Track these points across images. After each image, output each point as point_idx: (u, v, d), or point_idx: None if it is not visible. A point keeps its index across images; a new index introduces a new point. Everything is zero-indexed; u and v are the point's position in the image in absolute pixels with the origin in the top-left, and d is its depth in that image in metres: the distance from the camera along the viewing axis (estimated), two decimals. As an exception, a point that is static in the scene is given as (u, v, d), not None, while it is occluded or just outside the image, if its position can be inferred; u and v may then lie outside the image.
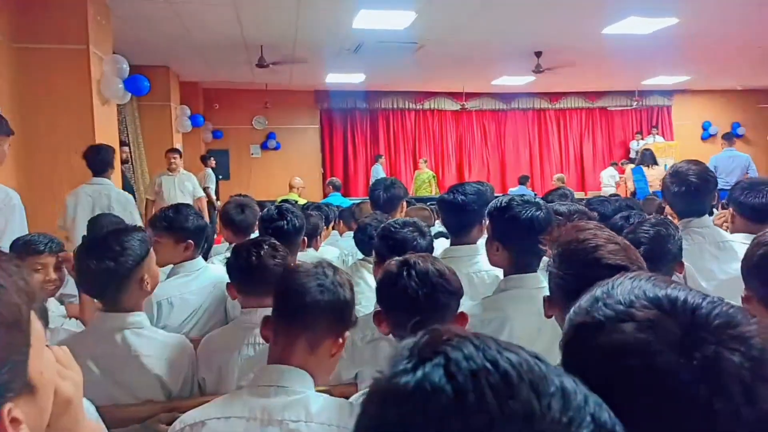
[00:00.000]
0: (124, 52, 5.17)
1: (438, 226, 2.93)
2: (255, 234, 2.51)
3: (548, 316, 1.19)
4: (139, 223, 3.66)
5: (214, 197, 8.16)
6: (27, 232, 2.48)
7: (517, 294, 1.62)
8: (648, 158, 7.38)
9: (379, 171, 10.16)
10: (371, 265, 2.15)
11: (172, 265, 2.21)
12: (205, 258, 2.53)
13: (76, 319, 2.08)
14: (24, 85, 4.20)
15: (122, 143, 6.16)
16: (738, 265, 1.37)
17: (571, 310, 0.65)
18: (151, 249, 1.66)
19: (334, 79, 9.28)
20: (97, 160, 3.77)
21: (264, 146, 10.98)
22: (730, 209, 2.27)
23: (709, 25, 6.23)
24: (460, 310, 1.33)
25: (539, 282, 1.60)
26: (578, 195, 9.60)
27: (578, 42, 6.81)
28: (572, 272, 1.11)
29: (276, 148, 10.96)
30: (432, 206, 3.69)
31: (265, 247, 1.72)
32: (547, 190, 4.22)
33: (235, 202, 2.67)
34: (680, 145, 10.36)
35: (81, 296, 2.05)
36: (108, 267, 1.52)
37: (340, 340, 1.25)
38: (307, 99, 10.91)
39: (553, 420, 0.42)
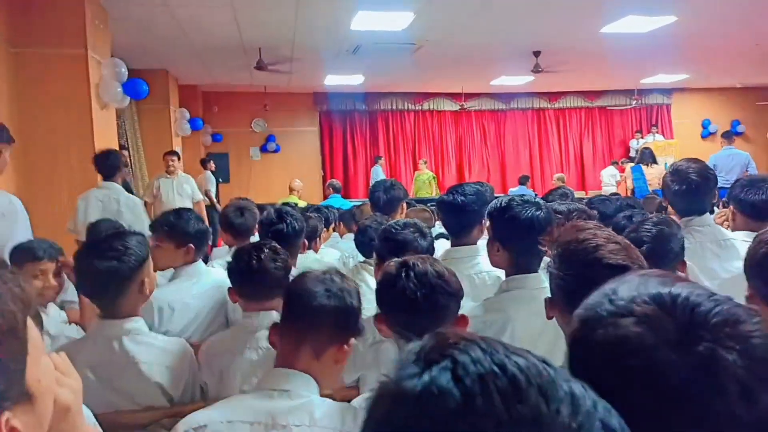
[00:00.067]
0: (122, 55, 5.18)
1: (438, 227, 2.92)
2: (255, 237, 2.51)
3: (549, 317, 1.19)
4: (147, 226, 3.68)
5: (215, 200, 8.16)
6: (32, 238, 2.49)
7: (518, 295, 1.61)
8: (647, 157, 7.38)
9: (378, 172, 10.16)
10: (372, 267, 2.14)
11: (173, 270, 2.21)
12: (205, 261, 2.53)
13: (77, 324, 2.07)
14: (22, 90, 4.19)
15: (121, 147, 6.15)
16: (740, 264, 1.36)
17: (580, 306, 0.65)
18: (149, 253, 1.66)
19: (333, 80, 9.28)
20: (106, 165, 3.87)
21: (263, 149, 10.98)
22: (731, 207, 2.27)
23: (707, 23, 6.23)
24: (461, 312, 1.33)
25: (541, 282, 1.59)
26: (579, 194, 9.61)
27: (577, 41, 6.81)
28: (573, 273, 1.11)
29: (276, 151, 10.96)
30: (432, 207, 3.68)
31: (266, 250, 1.72)
32: (548, 189, 4.22)
33: (235, 206, 2.67)
34: (680, 143, 10.36)
35: (81, 301, 2.04)
36: (111, 267, 1.52)
37: (346, 347, 1.25)
38: (306, 101, 10.91)
39: (563, 425, 0.41)
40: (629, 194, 6.94)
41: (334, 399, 1.25)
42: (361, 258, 2.48)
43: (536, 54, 7.27)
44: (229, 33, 6.01)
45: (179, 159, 6.36)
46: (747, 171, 6.57)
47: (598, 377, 0.55)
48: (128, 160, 6.90)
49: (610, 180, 9.96)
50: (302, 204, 5.61)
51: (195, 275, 2.17)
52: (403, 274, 1.26)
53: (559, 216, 1.95)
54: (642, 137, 11.36)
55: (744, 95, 11.61)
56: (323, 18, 5.59)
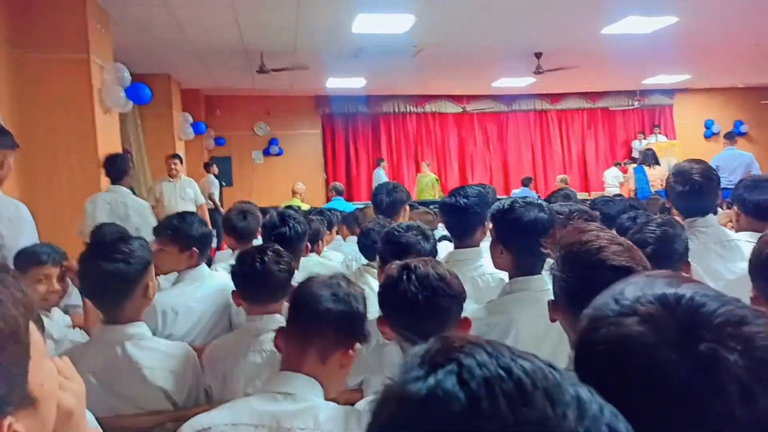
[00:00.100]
0: (125, 60, 5.19)
1: (441, 230, 2.92)
2: (258, 240, 2.52)
3: (553, 320, 1.19)
4: None
5: (218, 203, 8.17)
6: (36, 243, 2.50)
7: (522, 297, 1.61)
8: (650, 158, 7.37)
9: (381, 175, 10.16)
10: (375, 270, 2.14)
11: (176, 273, 2.21)
12: (208, 265, 2.53)
13: (81, 328, 2.08)
14: (25, 95, 4.21)
15: (124, 151, 6.15)
16: (744, 265, 1.36)
17: (588, 306, 0.66)
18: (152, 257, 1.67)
19: (335, 84, 9.29)
20: (115, 169, 3.96)
21: (266, 152, 11.00)
22: (735, 207, 2.26)
23: (708, 24, 6.22)
24: (464, 315, 1.32)
25: (544, 284, 1.59)
26: (581, 195, 9.59)
27: (578, 43, 6.81)
28: (576, 275, 1.11)
29: (278, 154, 10.97)
30: (435, 209, 3.68)
31: (270, 253, 1.72)
32: (551, 191, 4.21)
33: (237, 209, 2.68)
34: (683, 144, 10.34)
35: (85, 305, 2.05)
36: (118, 269, 1.53)
37: (351, 353, 1.25)
38: (308, 104, 10.93)
39: (569, 430, 0.41)
40: (632, 195, 6.92)
41: (337, 402, 1.25)
42: (364, 261, 2.47)
43: (537, 55, 7.27)
44: (231, 37, 6.03)
45: (182, 162, 6.35)
46: (750, 171, 6.55)
47: (600, 376, 0.56)
48: (131, 164, 6.91)
49: (613, 181, 9.93)
50: (305, 207, 5.61)
51: (198, 279, 2.17)
52: (405, 277, 1.26)
53: (560, 217, 1.95)
54: (644, 138, 11.35)
55: (746, 95, 11.58)
56: (324, 21, 5.61)
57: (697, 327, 0.56)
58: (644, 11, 5.62)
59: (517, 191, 9.17)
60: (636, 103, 11.44)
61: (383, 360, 1.59)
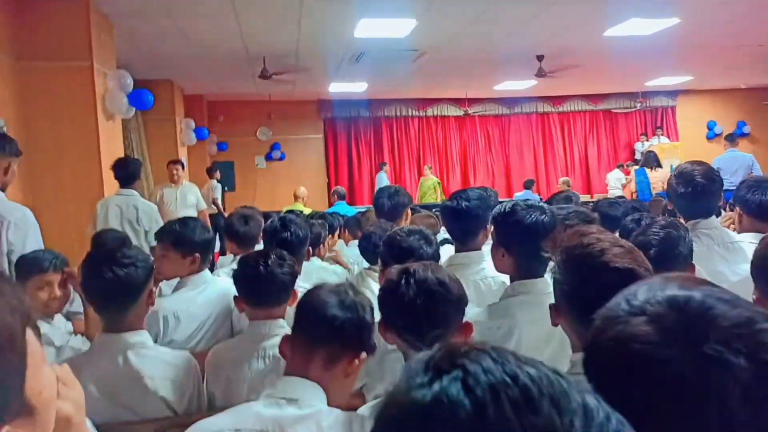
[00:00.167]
0: (127, 66, 5.21)
1: (443, 233, 2.91)
2: (260, 246, 2.52)
3: (555, 324, 1.18)
4: None
5: (222, 208, 8.18)
6: (38, 249, 2.52)
7: (524, 300, 1.60)
8: (652, 160, 7.37)
9: (383, 179, 10.16)
10: (377, 274, 2.14)
11: (178, 279, 2.21)
12: (211, 269, 2.53)
13: (82, 335, 2.07)
14: (28, 103, 4.23)
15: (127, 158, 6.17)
16: (747, 266, 1.35)
17: (603, 307, 0.67)
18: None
19: (337, 88, 9.31)
20: (126, 172, 4.03)
21: (269, 157, 11.02)
22: (737, 209, 2.25)
23: (710, 25, 6.21)
24: (465, 319, 1.32)
25: (546, 287, 1.58)
26: (584, 198, 9.59)
27: (580, 45, 6.81)
28: (578, 278, 1.10)
29: (281, 159, 10.99)
30: (437, 213, 3.68)
31: (273, 256, 1.72)
32: (554, 194, 4.21)
33: (239, 214, 2.68)
34: (685, 145, 10.31)
35: (86, 313, 2.05)
36: (128, 274, 1.54)
37: (357, 362, 1.25)
38: (310, 109, 10.95)
39: None
40: (634, 197, 6.91)
41: (339, 407, 1.25)
42: (366, 264, 2.47)
43: (539, 58, 7.27)
44: (233, 43, 6.04)
45: (183, 168, 6.36)
46: (751, 173, 6.55)
47: (606, 375, 0.57)
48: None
49: (616, 183, 9.91)
50: (307, 211, 5.61)
51: (201, 284, 2.17)
52: (404, 281, 1.26)
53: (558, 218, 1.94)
54: (647, 140, 11.32)
55: (749, 96, 11.56)
56: (326, 27, 5.62)
57: (704, 329, 0.57)
58: (646, 13, 5.62)
59: (519, 194, 9.16)
60: (638, 104, 11.42)
61: (384, 365, 1.58)
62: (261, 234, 2.53)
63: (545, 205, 1.71)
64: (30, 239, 2.47)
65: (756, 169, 6.78)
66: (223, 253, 5.11)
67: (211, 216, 7.73)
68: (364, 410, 1.29)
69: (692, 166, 2.15)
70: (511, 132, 11.90)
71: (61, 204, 4.23)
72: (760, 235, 1.90)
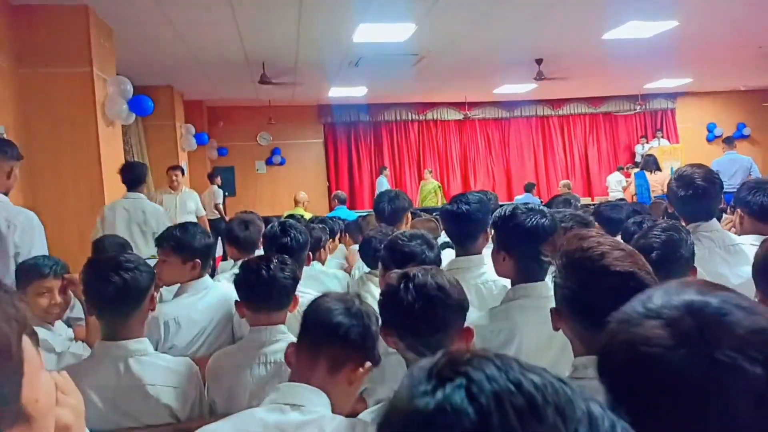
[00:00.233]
0: (127, 72, 5.22)
1: (444, 237, 2.91)
2: (260, 251, 2.51)
3: (556, 329, 1.18)
4: None
5: (224, 213, 8.19)
6: (47, 252, 2.55)
7: (525, 304, 1.60)
8: (651, 163, 7.37)
9: (383, 183, 10.17)
10: (377, 278, 2.13)
11: (178, 284, 2.21)
12: (212, 274, 2.53)
13: (83, 341, 2.07)
14: (29, 109, 4.24)
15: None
16: (749, 268, 1.35)
17: (618, 310, 0.67)
18: None
19: (337, 93, 9.33)
20: (132, 176, 4.10)
21: (269, 162, 11.03)
22: (738, 211, 2.25)
23: (709, 27, 6.22)
24: (466, 324, 1.31)
25: (547, 290, 1.58)
26: (585, 200, 9.58)
27: (579, 48, 6.82)
28: (579, 282, 1.10)
29: (281, 164, 11.00)
30: (437, 217, 3.68)
31: (275, 261, 1.73)
32: (552, 197, 4.20)
33: (239, 219, 2.68)
34: (686, 147, 10.31)
35: (87, 319, 2.04)
36: (134, 278, 1.54)
37: (361, 370, 1.25)
38: (310, 114, 10.97)
39: None
40: (634, 200, 6.92)
41: (342, 414, 1.24)
42: (367, 269, 2.46)
43: (538, 62, 7.28)
44: (233, 48, 6.06)
45: (183, 174, 6.35)
46: (750, 175, 6.58)
47: (619, 376, 0.57)
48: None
49: (617, 186, 9.91)
50: (308, 216, 5.62)
51: (201, 290, 2.17)
52: (403, 286, 1.26)
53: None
54: (647, 142, 11.32)
55: (748, 98, 11.57)
56: (325, 31, 5.63)
57: (718, 334, 0.57)
58: (644, 15, 5.62)
59: (520, 197, 9.15)
60: (638, 107, 11.43)
61: (385, 368, 1.57)
62: (261, 239, 2.52)
63: (545, 209, 1.70)
64: (36, 242, 2.51)
65: (755, 171, 6.80)
66: (225, 258, 5.11)
67: (213, 221, 7.74)
68: (366, 415, 1.29)
69: (692, 169, 2.15)
70: (511, 135, 11.91)
71: (61, 210, 4.23)
72: (762, 237, 1.89)
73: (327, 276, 2.81)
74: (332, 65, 7.13)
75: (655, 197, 6.53)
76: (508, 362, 0.45)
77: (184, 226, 2.26)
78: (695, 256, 1.73)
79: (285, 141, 10.95)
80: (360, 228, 3.96)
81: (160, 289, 2.26)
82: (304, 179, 10.55)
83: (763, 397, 0.54)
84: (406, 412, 0.44)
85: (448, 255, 2.30)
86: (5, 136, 3.70)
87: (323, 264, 3.07)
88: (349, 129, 11.36)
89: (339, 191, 7.61)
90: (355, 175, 11.40)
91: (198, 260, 2.17)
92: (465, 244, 2.08)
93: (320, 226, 3.38)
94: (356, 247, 3.94)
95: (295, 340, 1.63)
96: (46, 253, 2.54)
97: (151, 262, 2.00)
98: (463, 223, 2.04)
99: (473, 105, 11.30)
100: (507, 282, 1.73)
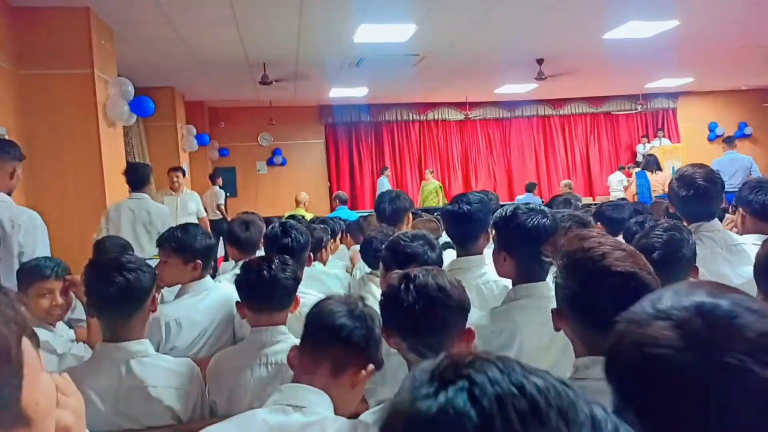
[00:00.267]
0: (128, 73, 5.23)
1: (445, 237, 2.91)
2: (260, 251, 2.51)
3: (557, 329, 1.17)
4: None
5: (226, 214, 8.19)
6: (50, 252, 2.59)
7: (526, 304, 1.60)
8: (652, 163, 7.37)
9: (384, 183, 10.16)
10: (378, 279, 2.13)
11: (179, 285, 2.21)
12: (214, 274, 2.53)
13: (84, 342, 2.07)
14: (30, 110, 4.24)
15: (129, 164, 6.16)
16: (751, 268, 1.34)
17: (627, 310, 0.67)
18: None
19: (338, 93, 9.33)
20: (137, 177, 4.19)
21: (270, 162, 11.04)
22: (740, 210, 2.24)
23: (709, 26, 6.21)
24: (468, 324, 1.31)
25: (548, 290, 1.57)
26: (586, 200, 9.58)
27: (579, 48, 6.81)
28: (580, 282, 1.10)
29: (282, 164, 11.01)
30: (439, 217, 3.67)
31: (276, 261, 1.73)
32: (553, 197, 4.20)
33: (240, 220, 2.68)
34: (687, 147, 10.30)
35: (89, 320, 2.05)
36: (137, 278, 1.55)
37: (363, 372, 1.25)
38: (311, 114, 10.97)
39: None
40: (635, 200, 6.92)
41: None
42: (368, 269, 2.46)
43: (539, 62, 7.27)
44: (233, 49, 6.06)
45: (184, 175, 6.34)
46: (750, 174, 6.57)
47: (626, 377, 0.58)
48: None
49: (618, 185, 9.90)
50: (309, 216, 5.61)
51: (202, 291, 2.16)
52: (403, 286, 1.26)
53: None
54: (648, 142, 11.31)
55: (750, 97, 11.55)
56: (326, 32, 5.63)
57: (728, 337, 0.56)
58: (645, 15, 5.62)
59: (521, 197, 9.14)
60: (639, 107, 11.42)
61: (387, 370, 1.57)
62: (262, 240, 2.52)
63: (546, 209, 1.70)
64: (39, 242, 2.54)
65: (755, 171, 6.80)
66: (227, 258, 5.11)
67: (215, 221, 7.75)
68: (367, 416, 1.29)
69: (693, 169, 2.14)
70: (512, 135, 11.91)
71: (62, 211, 4.23)
72: (763, 237, 1.89)
73: (328, 276, 2.81)
74: (333, 66, 7.13)
75: (656, 197, 6.52)
76: (511, 365, 0.44)
77: (185, 227, 2.26)
78: (697, 256, 1.73)
79: (286, 141, 10.95)
80: (361, 228, 3.96)
81: (162, 290, 2.26)
82: (305, 180, 10.55)
83: None
84: (408, 414, 0.43)
85: (449, 255, 2.30)
86: (6, 137, 3.71)
87: (325, 264, 3.06)
88: (350, 129, 11.36)
89: (340, 191, 7.61)
90: (356, 176, 11.40)
91: (199, 261, 2.17)
92: (466, 245, 2.08)
93: (322, 226, 3.38)
94: (358, 247, 3.95)
95: (295, 340, 1.63)
96: (49, 253, 2.57)
97: (153, 263, 2.01)
98: (465, 224, 2.04)
99: (474, 105, 11.30)
100: (508, 282, 1.73)
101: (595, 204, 6.35)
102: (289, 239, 2.19)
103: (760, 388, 0.54)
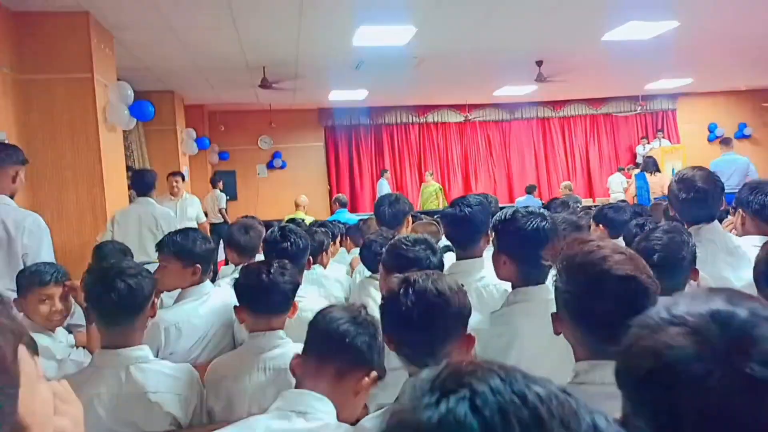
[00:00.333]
0: (128, 77, 5.24)
1: (445, 241, 2.91)
2: (260, 255, 2.51)
3: (558, 333, 1.17)
4: None
5: (227, 217, 8.19)
6: (54, 254, 2.64)
7: (525, 307, 1.59)
8: (651, 165, 7.37)
9: (384, 186, 10.17)
10: (378, 282, 2.13)
11: (179, 290, 2.20)
12: (214, 278, 2.53)
13: (84, 348, 2.07)
14: (30, 116, 4.25)
15: (129, 168, 6.16)
16: (751, 271, 1.34)
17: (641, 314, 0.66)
18: None
19: (337, 96, 9.34)
20: (144, 183, 4.37)
21: (270, 165, 11.04)
22: (740, 211, 2.24)
23: (709, 27, 6.21)
24: (469, 330, 1.30)
25: (548, 293, 1.57)
26: (586, 202, 9.57)
27: (579, 50, 6.82)
28: (580, 286, 1.09)
29: (282, 167, 11.01)
30: (438, 220, 3.67)
31: (275, 265, 1.73)
32: (550, 199, 4.19)
33: (240, 224, 2.68)
34: (687, 147, 10.30)
35: (88, 325, 2.04)
36: (138, 284, 1.55)
37: (366, 380, 1.25)
38: (311, 117, 10.98)
39: None
40: (635, 202, 6.92)
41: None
42: (368, 273, 2.46)
43: (539, 63, 7.28)
44: (233, 53, 6.07)
45: (183, 180, 6.33)
46: (748, 175, 6.57)
47: (637, 383, 0.56)
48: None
49: (618, 187, 9.90)
50: (308, 219, 5.61)
51: (202, 295, 2.16)
52: (402, 291, 1.25)
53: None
54: (648, 143, 11.31)
55: (749, 97, 11.55)
56: (325, 35, 5.64)
57: (746, 347, 0.55)
58: (644, 16, 5.62)
59: (521, 199, 9.15)
60: (639, 108, 11.42)
61: (386, 376, 1.57)
62: (261, 244, 2.52)
63: (546, 212, 1.69)
64: (44, 244, 2.58)
65: (752, 172, 6.78)
66: (227, 262, 5.11)
67: (216, 225, 7.75)
68: (367, 421, 1.28)
69: (693, 171, 2.14)
70: (512, 137, 11.91)
71: (62, 215, 4.24)
72: (764, 238, 1.89)
73: (328, 280, 2.80)
74: (333, 69, 7.14)
75: (654, 198, 6.52)
76: (512, 374, 0.44)
77: (184, 232, 2.26)
78: (697, 258, 1.72)
79: (286, 144, 10.96)
80: (361, 231, 3.96)
81: (161, 294, 2.25)
82: (305, 183, 10.55)
83: None
84: (409, 424, 0.43)
85: (448, 258, 2.29)
86: (6, 141, 3.71)
87: (325, 268, 3.06)
88: (349, 132, 11.37)
89: (340, 194, 7.62)
90: (356, 178, 11.40)
91: (198, 265, 2.16)
92: (467, 247, 2.07)
93: (322, 230, 3.38)
94: (357, 251, 3.94)
95: (294, 345, 1.62)
96: (53, 255, 2.59)
97: (154, 267, 2.01)
98: (465, 227, 2.04)
99: (474, 107, 11.31)
100: (508, 286, 1.73)
101: (595, 206, 6.35)
102: (288, 244, 2.19)
103: None
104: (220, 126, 10.32)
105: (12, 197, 2.63)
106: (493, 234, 1.72)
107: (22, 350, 0.56)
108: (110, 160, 4.59)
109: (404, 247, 1.83)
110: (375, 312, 1.37)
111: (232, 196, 9.94)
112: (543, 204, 5.55)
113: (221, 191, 8.47)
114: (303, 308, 1.80)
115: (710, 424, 0.54)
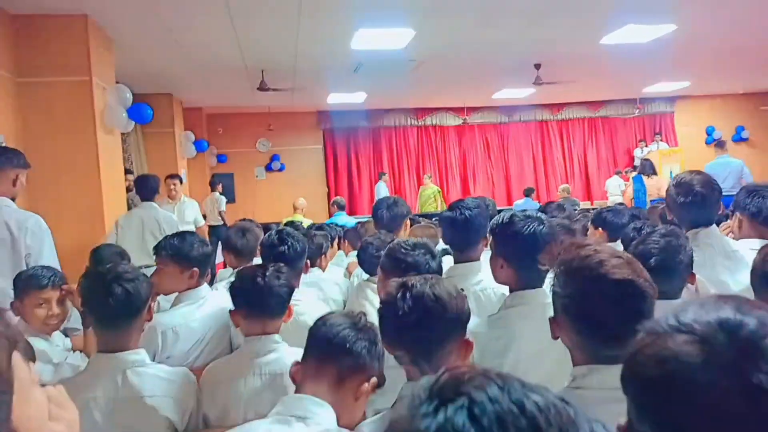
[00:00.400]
0: (126, 80, 5.23)
1: (442, 244, 2.90)
2: (258, 259, 2.51)
3: (555, 338, 1.17)
4: None
5: (226, 220, 8.18)
6: (56, 255, 2.65)
7: (523, 311, 1.59)
8: (648, 168, 7.39)
9: (382, 189, 10.17)
10: (375, 285, 2.12)
11: (176, 294, 2.20)
12: (212, 280, 2.52)
13: (81, 351, 2.06)
14: (28, 118, 4.24)
15: (127, 171, 6.16)
16: (749, 275, 1.34)
17: (651, 319, 0.65)
18: None
19: (336, 99, 9.34)
20: (147, 187, 4.47)
21: (268, 168, 11.04)
22: (737, 214, 2.24)
23: (707, 30, 6.23)
24: (467, 336, 1.30)
25: (545, 297, 1.57)
26: (584, 205, 9.58)
27: (577, 53, 6.83)
28: (577, 291, 1.10)
29: (280, 170, 11.01)
30: (436, 223, 3.67)
31: (270, 269, 1.73)
32: (546, 202, 4.20)
33: (237, 227, 2.68)
34: (685, 150, 10.32)
35: (85, 329, 2.03)
36: (135, 288, 1.55)
37: (366, 385, 1.25)
38: (309, 120, 10.99)
39: None
40: (632, 204, 6.93)
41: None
42: (366, 276, 2.46)
43: (537, 66, 7.29)
44: (231, 56, 6.07)
45: (181, 182, 6.32)
46: (742, 178, 6.59)
47: (643, 390, 0.56)
48: (132, 184, 6.92)
49: (616, 190, 9.92)
50: (307, 222, 5.60)
51: (199, 299, 2.15)
52: (400, 295, 1.25)
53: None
54: (646, 146, 11.34)
55: (747, 101, 11.59)
56: (323, 38, 5.64)
57: (755, 357, 0.55)
58: (642, 20, 5.64)
59: (519, 202, 9.16)
60: (637, 111, 11.44)
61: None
62: (258, 248, 2.52)
63: (543, 216, 1.70)
64: (46, 245, 2.61)
65: (746, 175, 6.80)
66: (226, 265, 5.11)
67: (216, 228, 7.74)
68: (365, 426, 1.28)
69: (691, 175, 2.14)
70: (510, 140, 11.93)
71: (60, 218, 4.21)
72: (762, 241, 1.89)
73: (326, 283, 2.80)
74: (331, 72, 7.15)
75: (651, 201, 6.53)
76: (511, 382, 0.44)
77: (182, 235, 2.25)
78: (696, 262, 1.72)
79: (284, 147, 10.96)
80: (359, 234, 3.96)
81: (157, 298, 2.25)
82: (303, 185, 10.55)
83: None
84: None
85: (447, 262, 2.29)
86: (5, 144, 3.71)
87: (324, 271, 3.06)
88: (348, 135, 11.37)
89: (338, 197, 7.61)
90: (354, 181, 11.40)
91: (196, 269, 2.16)
92: (466, 250, 2.07)
93: (321, 233, 3.38)
94: (355, 254, 3.94)
95: (289, 349, 1.62)
96: (56, 255, 2.60)
97: (150, 271, 2.00)
98: (465, 230, 2.04)
99: (472, 110, 11.32)
100: (506, 289, 1.73)
101: (593, 208, 6.36)
102: (286, 247, 2.19)
103: None
104: (218, 129, 10.32)
105: (13, 200, 2.64)
106: (491, 238, 1.72)
107: (17, 356, 0.56)
108: (108, 163, 4.59)
109: (403, 251, 1.82)
110: (372, 315, 1.37)
111: (230, 198, 9.93)
112: (540, 207, 5.56)
113: (221, 194, 8.46)
114: (299, 312, 1.80)
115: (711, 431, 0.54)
